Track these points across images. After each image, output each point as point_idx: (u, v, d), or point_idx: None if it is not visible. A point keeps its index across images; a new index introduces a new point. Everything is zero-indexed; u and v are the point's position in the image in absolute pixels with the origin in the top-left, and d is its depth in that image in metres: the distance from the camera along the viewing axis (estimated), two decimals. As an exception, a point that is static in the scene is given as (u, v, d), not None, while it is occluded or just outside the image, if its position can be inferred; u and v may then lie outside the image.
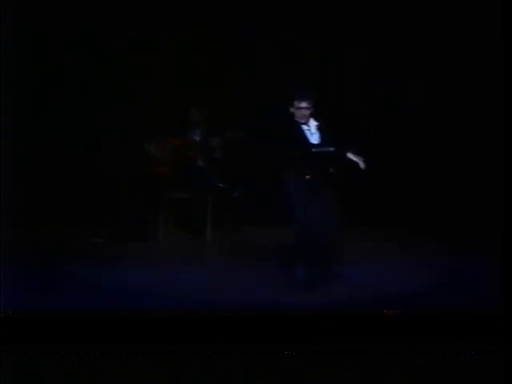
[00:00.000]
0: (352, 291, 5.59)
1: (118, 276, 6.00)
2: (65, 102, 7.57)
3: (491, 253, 5.51)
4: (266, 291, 5.55)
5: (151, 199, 7.45)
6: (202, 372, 4.40)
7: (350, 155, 5.70)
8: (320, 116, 5.79)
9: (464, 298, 5.30)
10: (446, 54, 7.48)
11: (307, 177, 5.57)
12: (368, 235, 7.34)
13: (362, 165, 5.68)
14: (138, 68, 7.66)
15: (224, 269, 6.30)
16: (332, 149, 5.66)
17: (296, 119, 5.69)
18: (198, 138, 7.56)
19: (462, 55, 7.36)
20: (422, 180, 7.58)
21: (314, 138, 5.73)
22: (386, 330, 4.79)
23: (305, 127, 5.71)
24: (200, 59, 7.77)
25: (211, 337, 4.76)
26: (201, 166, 7.53)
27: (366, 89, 7.75)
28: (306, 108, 5.68)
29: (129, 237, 7.23)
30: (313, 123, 5.75)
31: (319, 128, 5.75)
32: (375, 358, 4.50)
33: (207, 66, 7.77)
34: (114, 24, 7.47)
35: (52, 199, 7.35)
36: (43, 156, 7.38)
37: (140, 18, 7.51)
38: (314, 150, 5.66)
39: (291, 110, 5.70)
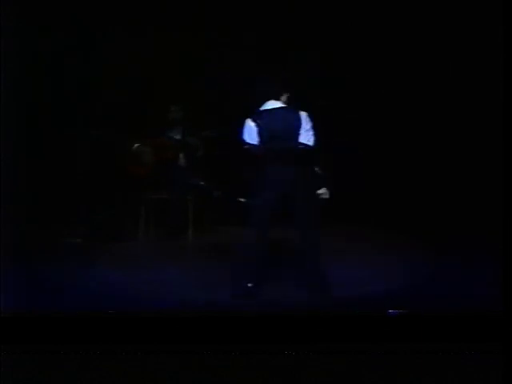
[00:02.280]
0: (353, 290, 5.61)
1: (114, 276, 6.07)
2: (44, 101, 7.55)
3: (491, 253, 5.51)
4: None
5: (131, 200, 7.49)
6: (202, 372, 4.40)
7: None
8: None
9: (464, 298, 5.30)
10: (445, 54, 7.49)
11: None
12: (368, 236, 7.36)
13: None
14: (117, 68, 7.68)
15: (204, 269, 6.31)
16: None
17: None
18: (177, 138, 7.58)
19: (462, 55, 7.37)
20: (422, 180, 7.59)
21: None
22: (386, 329, 4.79)
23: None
24: (180, 59, 7.79)
25: (211, 337, 4.75)
26: (180, 166, 7.55)
27: (359, 88, 7.77)
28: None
29: (114, 238, 7.29)
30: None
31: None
32: (375, 358, 4.49)
33: (187, 66, 7.79)
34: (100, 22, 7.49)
35: (43, 200, 7.35)
36: (26, 157, 7.34)
37: (122, 21, 7.54)
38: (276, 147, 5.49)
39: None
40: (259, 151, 5.46)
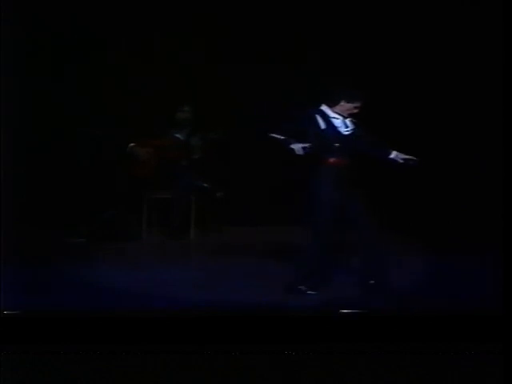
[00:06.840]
0: (353, 290, 5.61)
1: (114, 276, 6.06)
2: (47, 100, 7.54)
3: (491, 253, 5.51)
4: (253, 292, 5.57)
5: (134, 200, 7.49)
6: (202, 372, 4.40)
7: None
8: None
9: (464, 298, 5.30)
10: (445, 54, 7.48)
11: None
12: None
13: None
14: (123, 67, 7.68)
15: (206, 269, 6.31)
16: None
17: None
18: (180, 138, 7.59)
19: (462, 55, 7.37)
20: (422, 181, 7.58)
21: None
22: (385, 330, 4.79)
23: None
24: (185, 59, 7.79)
25: (211, 337, 4.75)
26: (184, 166, 7.55)
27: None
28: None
29: (116, 237, 7.30)
30: None
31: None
32: (375, 358, 4.49)
33: (192, 66, 7.79)
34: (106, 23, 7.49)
35: (44, 200, 7.35)
36: (28, 156, 7.32)
37: (129, 19, 7.54)
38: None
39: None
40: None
